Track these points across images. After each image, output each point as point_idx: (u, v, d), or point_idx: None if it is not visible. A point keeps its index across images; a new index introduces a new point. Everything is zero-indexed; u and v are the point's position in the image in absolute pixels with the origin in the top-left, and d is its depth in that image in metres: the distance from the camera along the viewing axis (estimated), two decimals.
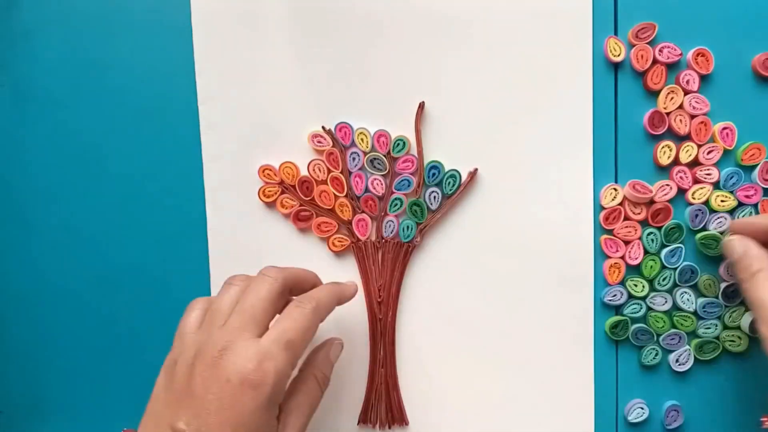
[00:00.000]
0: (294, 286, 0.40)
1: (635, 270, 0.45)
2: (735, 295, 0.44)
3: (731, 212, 0.44)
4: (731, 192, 0.43)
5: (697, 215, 0.44)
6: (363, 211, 0.46)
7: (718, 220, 0.44)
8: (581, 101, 0.44)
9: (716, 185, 0.44)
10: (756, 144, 0.43)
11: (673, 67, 0.43)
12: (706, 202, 0.44)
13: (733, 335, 0.44)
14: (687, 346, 0.45)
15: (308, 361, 0.41)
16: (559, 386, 0.46)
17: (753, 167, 0.43)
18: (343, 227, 0.46)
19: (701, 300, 0.44)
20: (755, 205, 0.44)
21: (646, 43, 0.43)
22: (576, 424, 0.46)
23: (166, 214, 0.48)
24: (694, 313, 0.45)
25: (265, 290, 0.37)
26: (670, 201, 0.44)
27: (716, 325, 0.44)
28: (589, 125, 0.44)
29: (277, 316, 0.38)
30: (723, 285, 0.44)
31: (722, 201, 0.43)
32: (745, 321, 0.44)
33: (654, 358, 0.45)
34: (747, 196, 0.43)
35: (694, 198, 0.44)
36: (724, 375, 0.45)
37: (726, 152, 0.44)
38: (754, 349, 0.45)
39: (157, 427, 0.35)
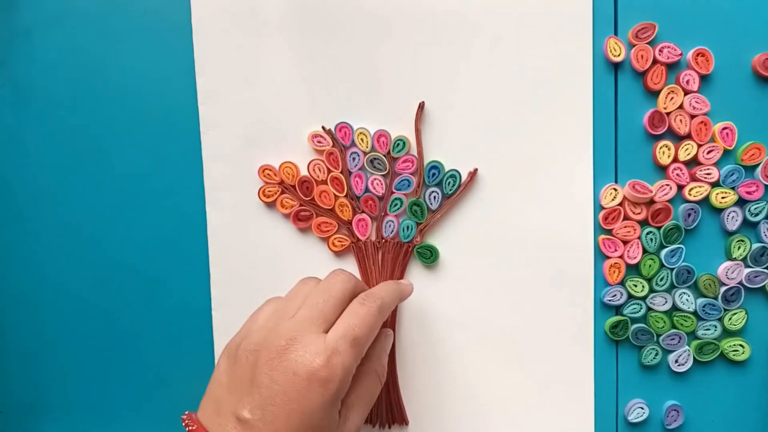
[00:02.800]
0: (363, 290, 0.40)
1: (635, 270, 0.45)
2: (735, 299, 0.44)
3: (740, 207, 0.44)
4: (732, 188, 0.43)
5: (690, 214, 0.44)
6: (363, 211, 0.46)
7: (731, 215, 0.44)
8: (581, 101, 0.44)
9: (715, 184, 0.44)
10: (756, 144, 0.43)
11: (673, 67, 0.43)
12: (706, 200, 0.44)
13: (735, 344, 0.44)
14: (687, 347, 0.45)
15: (367, 356, 0.39)
16: (559, 386, 0.46)
17: (753, 167, 0.43)
18: (343, 227, 0.46)
19: (701, 300, 0.44)
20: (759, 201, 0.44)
21: (646, 43, 0.43)
22: (576, 423, 0.46)
23: (167, 214, 0.48)
24: (694, 313, 0.45)
25: (337, 288, 0.37)
26: (670, 201, 0.44)
27: (716, 327, 0.44)
28: (589, 125, 0.44)
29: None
30: (723, 289, 0.44)
31: (723, 198, 0.43)
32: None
33: (654, 358, 0.45)
34: (748, 192, 0.43)
35: (690, 195, 0.44)
36: (724, 375, 0.45)
37: (726, 152, 0.44)
38: (754, 352, 0.45)
39: (218, 413, 0.35)
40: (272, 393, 0.33)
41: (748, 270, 0.44)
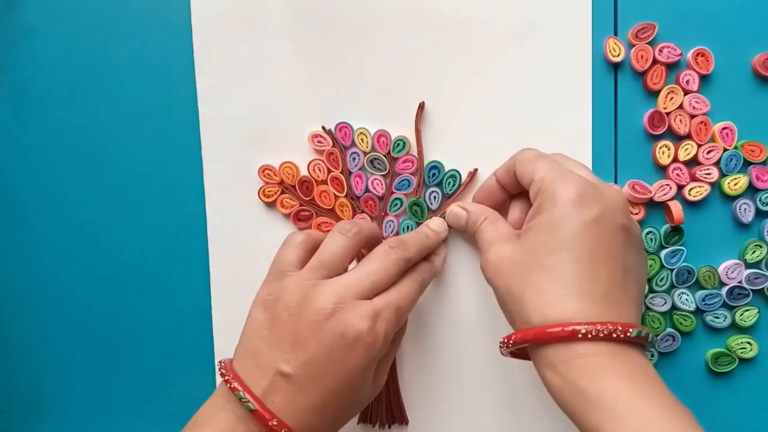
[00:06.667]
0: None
1: None
2: (741, 298, 0.44)
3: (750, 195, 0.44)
4: (742, 173, 0.43)
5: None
6: (363, 211, 0.46)
7: (743, 206, 0.44)
8: (581, 101, 0.44)
9: (714, 184, 0.44)
10: (756, 143, 0.43)
11: (672, 67, 0.43)
12: (708, 199, 0.44)
13: (743, 342, 0.44)
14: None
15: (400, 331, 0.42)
16: None
17: (754, 163, 0.43)
18: None
19: (701, 293, 0.44)
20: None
21: (646, 43, 0.43)
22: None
23: (167, 214, 0.48)
24: (694, 312, 0.44)
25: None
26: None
27: (726, 317, 0.44)
28: (588, 125, 0.44)
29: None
30: (725, 290, 0.44)
31: (735, 184, 0.43)
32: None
33: (650, 359, 0.45)
34: (759, 179, 0.43)
35: (690, 195, 0.44)
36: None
37: (726, 152, 0.44)
38: (762, 350, 0.45)
39: (258, 366, 0.36)
40: (317, 352, 0.36)
41: (748, 271, 0.44)
